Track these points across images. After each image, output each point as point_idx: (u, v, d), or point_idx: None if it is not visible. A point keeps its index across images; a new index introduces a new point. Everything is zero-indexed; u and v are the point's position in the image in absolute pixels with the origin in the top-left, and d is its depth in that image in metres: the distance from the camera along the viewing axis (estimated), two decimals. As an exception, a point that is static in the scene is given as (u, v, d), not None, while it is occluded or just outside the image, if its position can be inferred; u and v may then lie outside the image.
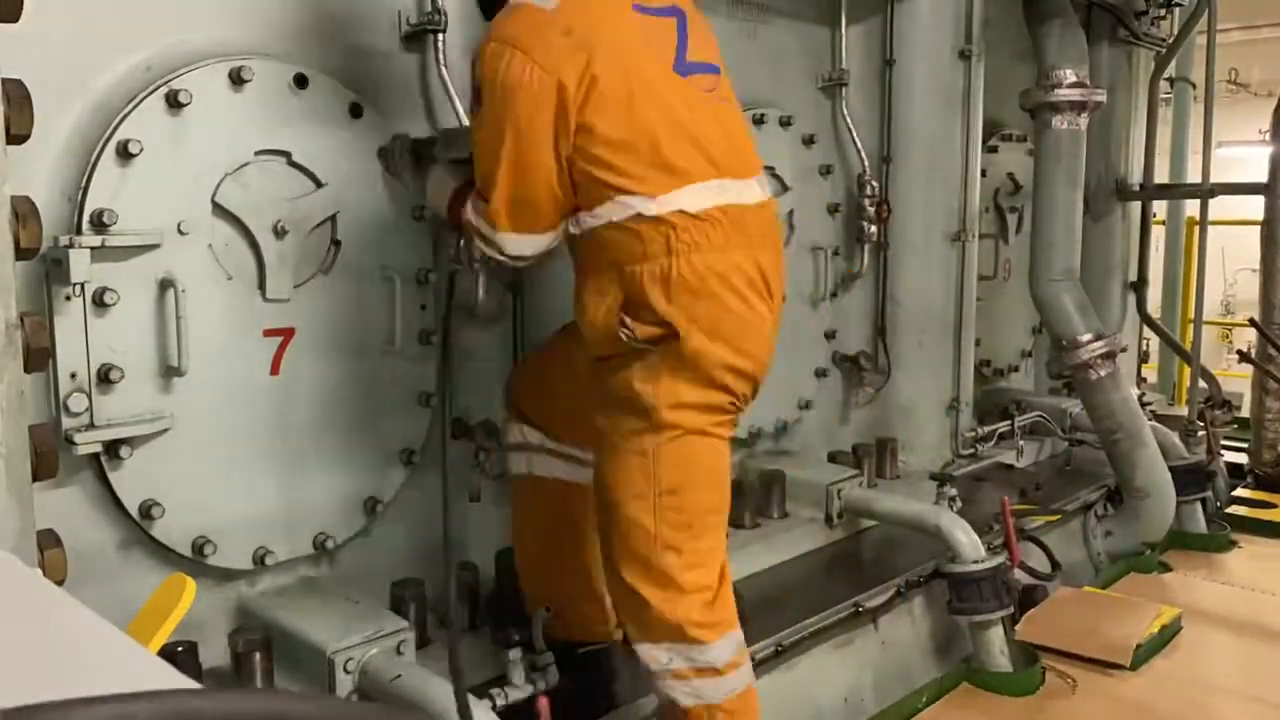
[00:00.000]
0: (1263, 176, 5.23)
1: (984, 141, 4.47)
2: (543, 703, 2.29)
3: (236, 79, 2.36)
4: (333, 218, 2.57)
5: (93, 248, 2.15)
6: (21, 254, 1.44)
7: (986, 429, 4.55)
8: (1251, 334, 5.67)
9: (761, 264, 2.24)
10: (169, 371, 2.32)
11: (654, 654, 2.28)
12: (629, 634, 2.35)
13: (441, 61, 2.71)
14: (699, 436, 2.23)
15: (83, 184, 2.19)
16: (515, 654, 2.42)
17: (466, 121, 2.72)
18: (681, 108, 2.19)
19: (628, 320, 2.16)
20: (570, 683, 2.48)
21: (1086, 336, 4.22)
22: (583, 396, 2.38)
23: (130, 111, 2.23)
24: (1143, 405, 4.85)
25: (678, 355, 2.16)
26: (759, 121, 3.71)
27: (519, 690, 2.39)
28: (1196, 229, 5.30)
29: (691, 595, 2.25)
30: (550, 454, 2.61)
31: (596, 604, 2.60)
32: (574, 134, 2.11)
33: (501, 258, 2.28)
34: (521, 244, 2.24)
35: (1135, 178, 5.45)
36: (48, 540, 1.69)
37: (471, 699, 2.19)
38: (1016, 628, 3.44)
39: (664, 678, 2.28)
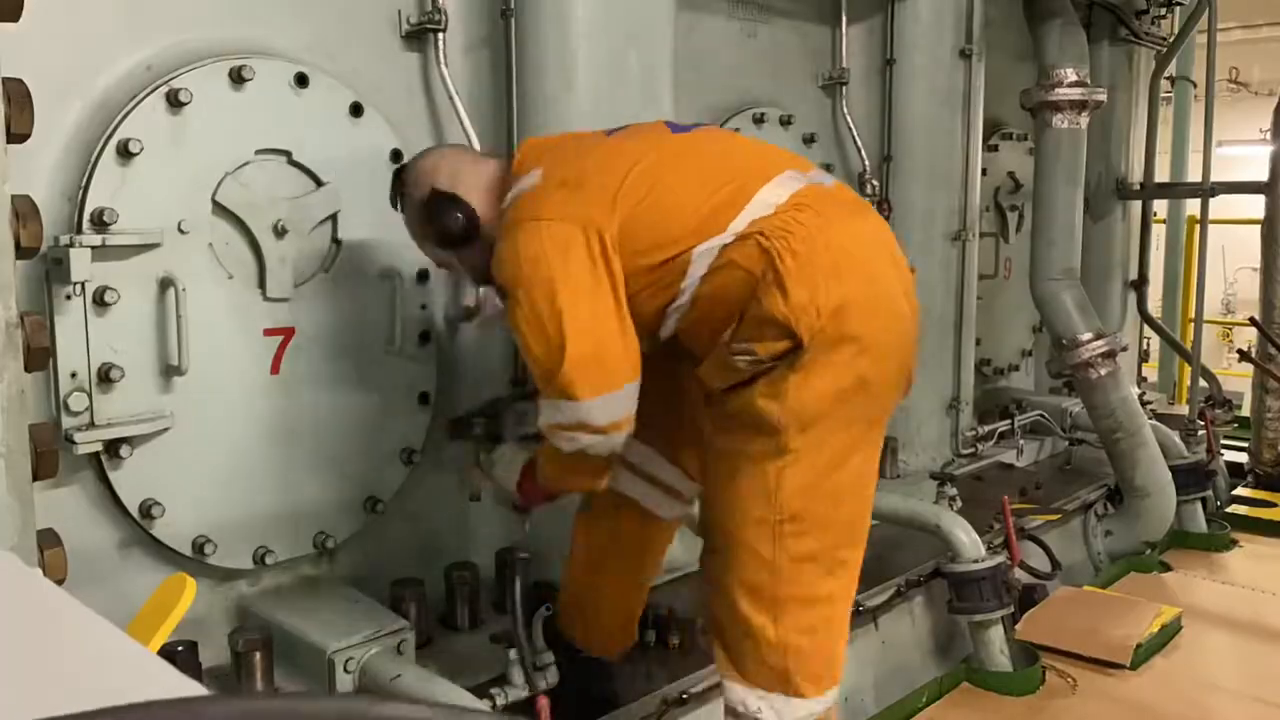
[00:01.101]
0: (1263, 175, 5.22)
1: (984, 140, 4.47)
2: (542, 702, 2.29)
3: (237, 78, 2.36)
4: (333, 217, 2.57)
5: (93, 247, 2.15)
6: (22, 253, 1.44)
7: (986, 428, 4.55)
8: (1252, 333, 5.67)
9: (877, 230, 2.15)
10: (169, 371, 2.32)
11: (745, 697, 2.11)
12: (722, 666, 2.17)
13: (442, 61, 2.71)
14: (831, 456, 2.04)
15: (83, 183, 2.19)
16: (515, 654, 2.42)
17: (468, 123, 2.72)
18: (700, 149, 2.19)
19: (746, 346, 2.01)
20: (572, 684, 2.48)
21: (1087, 335, 4.21)
22: (682, 419, 2.24)
23: (131, 111, 2.23)
24: (1143, 404, 4.85)
25: (804, 355, 1.97)
26: (759, 121, 3.71)
27: (519, 690, 2.39)
28: (1197, 228, 5.30)
29: (805, 637, 2.08)
30: (627, 468, 2.43)
31: (623, 623, 2.58)
32: (616, 254, 2.02)
33: (592, 439, 2.03)
34: (608, 407, 2.01)
35: (1135, 176, 5.45)
36: (48, 540, 1.69)
37: (472, 698, 2.19)
38: (1016, 627, 3.44)
39: None
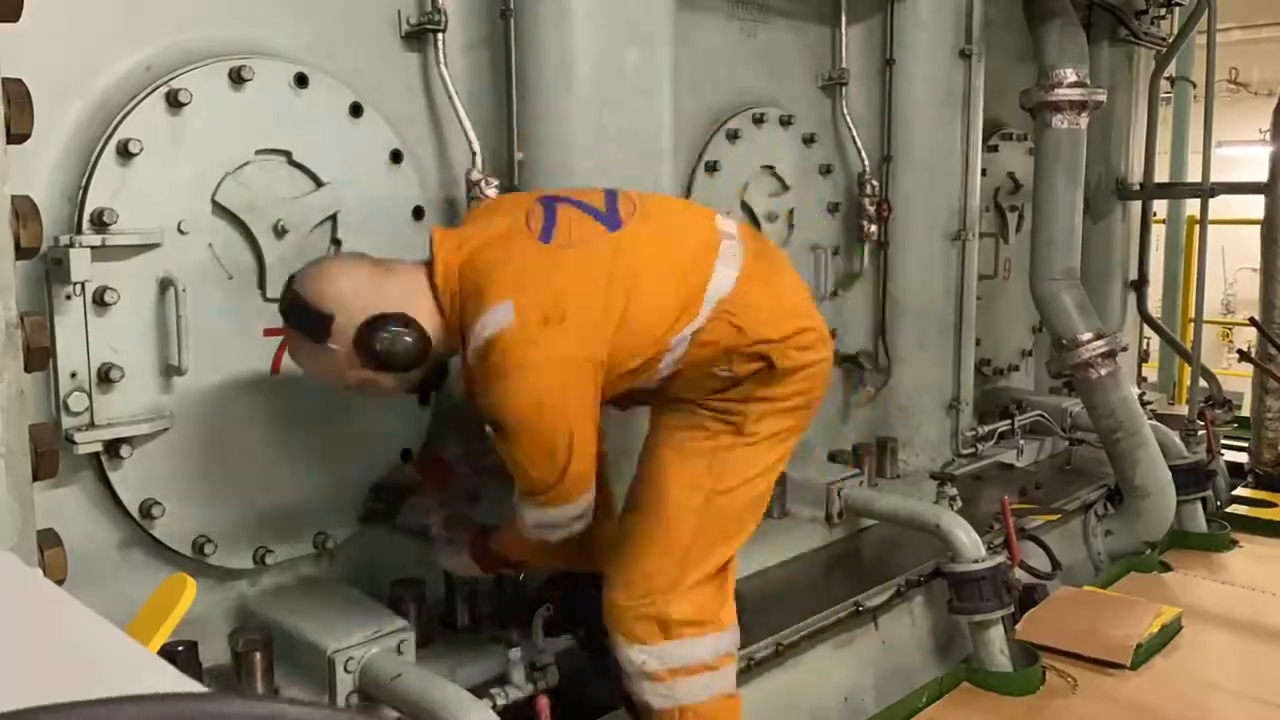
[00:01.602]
0: (1263, 176, 5.23)
1: (984, 141, 4.47)
2: (542, 702, 2.29)
3: (237, 78, 2.36)
4: (333, 217, 2.57)
5: (93, 247, 2.15)
6: (22, 253, 1.44)
7: (986, 428, 4.55)
8: (1252, 333, 5.67)
9: (797, 278, 2.50)
10: (169, 371, 2.32)
11: (628, 655, 2.31)
12: (611, 632, 2.35)
13: (442, 61, 2.71)
14: (767, 448, 2.35)
15: (83, 183, 2.19)
16: (515, 654, 2.42)
17: (468, 123, 2.72)
18: (649, 245, 2.26)
19: (728, 368, 2.29)
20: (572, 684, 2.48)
21: (1087, 335, 4.22)
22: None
23: (130, 111, 2.23)
24: (1143, 404, 4.85)
25: (774, 373, 2.29)
26: (759, 121, 3.71)
27: (519, 690, 2.39)
28: (1196, 228, 5.30)
29: (694, 590, 2.31)
30: None
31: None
32: (603, 375, 2.17)
33: (581, 524, 2.28)
34: (589, 498, 2.26)
35: (1135, 177, 5.45)
36: (48, 540, 1.69)
37: (471, 699, 2.20)
38: (1016, 627, 3.44)
39: (638, 680, 2.30)
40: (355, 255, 2.31)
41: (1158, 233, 6.01)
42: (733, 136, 3.62)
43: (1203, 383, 5.43)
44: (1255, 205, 5.33)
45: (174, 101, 2.27)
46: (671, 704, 2.30)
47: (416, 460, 2.73)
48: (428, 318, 2.18)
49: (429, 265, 2.21)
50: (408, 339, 2.13)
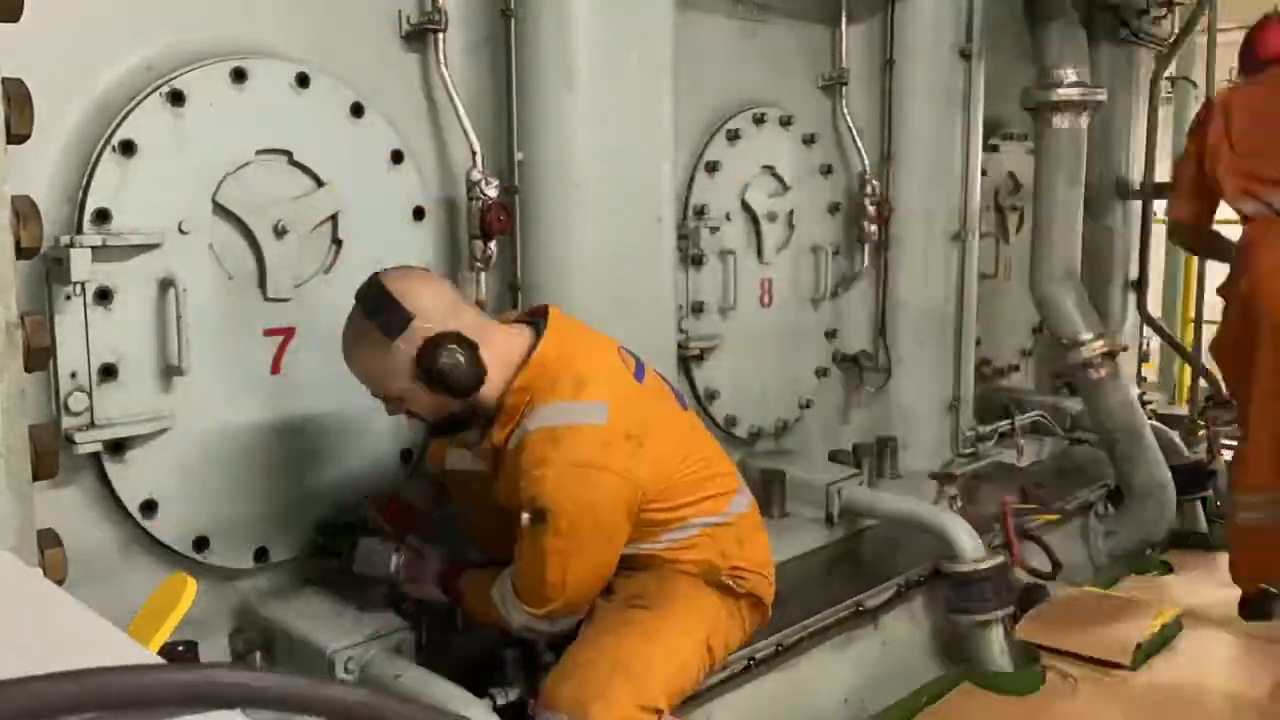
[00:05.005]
0: (1263, 176, 5.21)
1: (984, 140, 4.47)
2: (535, 705, 2.28)
3: (237, 78, 2.36)
4: (334, 217, 2.57)
5: (93, 247, 2.15)
6: (22, 253, 1.44)
7: (987, 428, 4.55)
8: (1252, 333, 5.65)
9: None
10: (169, 371, 2.32)
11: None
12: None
13: (442, 61, 2.71)
14: None
15: (83, 183, 2.19)
16: (513, 653, 2.42)
17: (468, 123, 2.72)
18: (693, 427, 2.47)
19: None
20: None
21: (1087, 336, 4.22)
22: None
23: (131, 110, 2.23)
24: (1143, 404, 4.85)
25: None
26: (759, 121, 3.71)
27: (518, 690, 2.39)
28: (1197, 228, 5.29)
29: None
30: None
31: None
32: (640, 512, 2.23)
33: (548, 635, 2.32)
34: (561, 624, 2.28)
35: (1136, 177, 5.45)
36: (48, 540, 1.69)
37: (471, 698, 2.19)
38: (1017, 627, 3.44)
39: None
40: (440, 276, 2.43)
41: (1158, 233, 6.01)
42: (733, 136, 3.62)
43: (1203, 383, 5.43)
44: (1255, 205, 5.31)
45: (174, 101, 2.27)
46: None
47: (373, 502, 2.60)
48: (497, 375, 2.19)
49: (532, 331, 2.27)
50: (468, 365, 2.13)
